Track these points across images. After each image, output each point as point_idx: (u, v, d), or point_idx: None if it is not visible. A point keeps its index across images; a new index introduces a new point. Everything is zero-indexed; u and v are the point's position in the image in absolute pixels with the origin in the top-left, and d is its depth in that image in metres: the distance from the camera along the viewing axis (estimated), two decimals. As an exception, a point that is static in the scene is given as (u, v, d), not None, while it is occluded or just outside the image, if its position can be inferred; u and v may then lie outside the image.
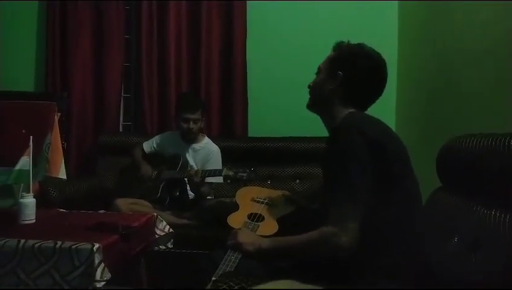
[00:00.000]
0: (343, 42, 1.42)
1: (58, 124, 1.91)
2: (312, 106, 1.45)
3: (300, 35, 3.22)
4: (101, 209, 2.15)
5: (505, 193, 1.18)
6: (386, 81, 1.38)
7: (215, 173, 2.47)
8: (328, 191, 1.23)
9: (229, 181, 2.38)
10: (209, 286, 1.12)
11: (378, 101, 1.40)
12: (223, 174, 2.38)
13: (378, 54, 1.38)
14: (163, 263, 2.28)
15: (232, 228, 1.43)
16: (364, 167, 1.15)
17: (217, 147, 2.81)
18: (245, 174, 2.29)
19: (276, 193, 1.82)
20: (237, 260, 1.24)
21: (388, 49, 2.97)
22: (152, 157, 2.87)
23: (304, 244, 1.19)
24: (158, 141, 2.89)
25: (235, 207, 1.81)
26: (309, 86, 1.47)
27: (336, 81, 1.35)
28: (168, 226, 2.03)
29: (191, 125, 2.70)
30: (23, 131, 2.75)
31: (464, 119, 2.05)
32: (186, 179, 2.60)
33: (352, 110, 1.35)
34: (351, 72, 1.34)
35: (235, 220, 1.60)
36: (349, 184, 1.14)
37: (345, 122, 1.29)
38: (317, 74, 1.46)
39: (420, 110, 2.73)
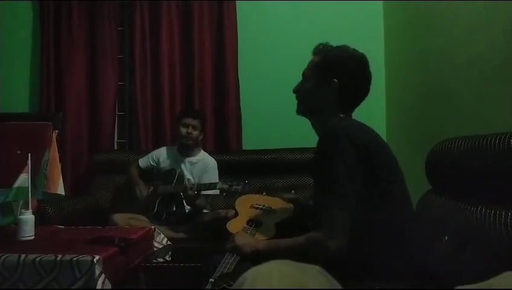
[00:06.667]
0: (323, 45, 1.41)
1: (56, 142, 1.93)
2: (304, 112, 1.43)
3: (290, 45, 3.26)
4: (98, 226, 2.17)
5: (488, 190, 1.23)
6: (371, 79, 1.37)
7: (209, 186, 2.50)
8: (318, 195, 1.27)
9: (224, 194, 2.41)
10: (208, 287, 1.15)
11: (368, 108, 1.41)
12: (217, 187, 2.42)
13: (361, 53, 1.37)
14: (162, 276, 2.29)
15: (231, 234, 1.46)
16: (353, 172, 1.17)
17: (213, 159, 2.85)
18: (239, 187, 2.31)
19: (274, 200, 1.86)
20: (235, 262, 1.27)
21: (375, 51, 3.07)
22: (148, 173, 2.89)
23: (295, 248, 1.22)
24: (154, 156, 2.91)
25: (233, 215, 1.84)
26: (295, 92, 1.43)
27: (331, 89, 1.33)
28: (165, 239, 2.05)
29: (190, 129, 2.75)
30: (18, 152, 2.78)
31: (452, 123, 2.12)
32: (181, 193, 2.63)
33: (342, 115, 1.37)
34: (344, 78, 1.33)
35: (234, 226, 1.63)
36: (337, 189, 1.16)
37: (335, 127, 1.29)
38: (303, 79, 1.43)
39: (409, 117, 2.79)
